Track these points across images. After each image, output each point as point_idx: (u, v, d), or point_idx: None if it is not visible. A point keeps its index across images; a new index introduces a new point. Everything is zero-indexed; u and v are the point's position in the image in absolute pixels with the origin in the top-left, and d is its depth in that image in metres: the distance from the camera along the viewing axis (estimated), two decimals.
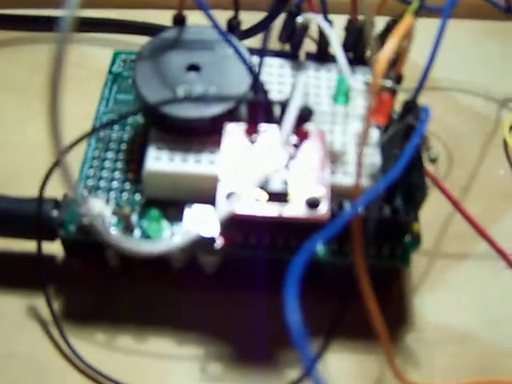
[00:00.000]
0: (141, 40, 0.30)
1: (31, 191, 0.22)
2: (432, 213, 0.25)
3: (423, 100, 0.22)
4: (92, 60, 0.30)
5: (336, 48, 0.20)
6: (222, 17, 0.24)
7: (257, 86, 0.20)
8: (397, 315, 0.24)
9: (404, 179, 0.21)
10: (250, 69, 0.21)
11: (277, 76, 0.23)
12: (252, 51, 0.23)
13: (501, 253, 0.25)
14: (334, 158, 0.21)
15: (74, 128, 0.20)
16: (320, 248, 0.21)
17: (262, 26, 0.26)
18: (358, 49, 0.24)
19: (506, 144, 0.29)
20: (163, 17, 0.26)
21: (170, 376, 0.22)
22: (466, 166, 0.28)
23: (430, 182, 0.26)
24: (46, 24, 0.30)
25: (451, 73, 0.31)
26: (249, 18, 0.26)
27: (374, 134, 0.22)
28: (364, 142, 0.17)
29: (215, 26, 0.20)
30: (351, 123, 0.22)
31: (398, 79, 0.22)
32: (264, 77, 0.22)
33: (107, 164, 0.23)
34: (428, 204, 0.24)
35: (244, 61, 0.21)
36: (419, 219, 0.22)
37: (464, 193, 0.27)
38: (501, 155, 0.29)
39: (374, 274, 0.20)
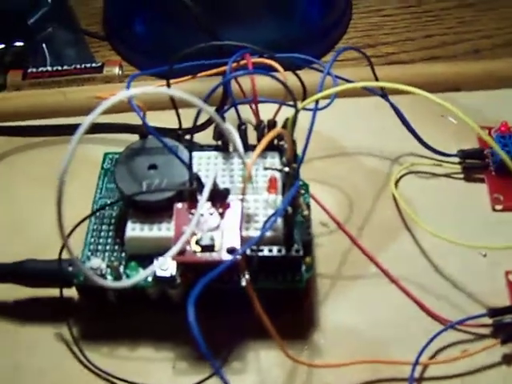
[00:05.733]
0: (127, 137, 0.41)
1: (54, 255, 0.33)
2: (335, 247, 0.36)
3: (334, 164, 0.37)
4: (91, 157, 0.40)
5: (239, 149, 0.31)
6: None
7: (191, 177, 0.31)
8: (307, 320, 0.34)
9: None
10: (187, 166, 0.32)
11: (213, 165, 0.34)
12: (195, 146, 0.34)
13: (385, 272, 0.36)
14: (248, 219, 0.32)
15: (80, 207, 0.33)
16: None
17: (204, 125, 0.37)
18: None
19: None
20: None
21: (152, 372, 0.32)
22: (362, 210, 0.38)
23: (334, 224, 0.37)
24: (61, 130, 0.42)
25: (357, 140, 0.42)
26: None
27: (278, 200, 0.32)
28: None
29: (160, 140, 0.32)
30: (260, 194, 0.33)
31: (289, 163, 0.32)
32: (202, 167, 0.34)
33: (103, 233, 0.34)
34: (331, 240, 0.35)
35: (182, 161, 0.32)
36: (312, 254, 0.33)
37: (360, 231, 0.37)
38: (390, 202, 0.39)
39: (286, 293, 0.31)
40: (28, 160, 0.42)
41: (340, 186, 0.40)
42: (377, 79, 0.38)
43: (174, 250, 0.28)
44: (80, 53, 0.49)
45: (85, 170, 0.37)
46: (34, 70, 0.46)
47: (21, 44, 0.46)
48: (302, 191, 0.35)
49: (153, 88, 0.25)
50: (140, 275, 0.28)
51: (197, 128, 0.37)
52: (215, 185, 0.31)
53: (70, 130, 0.41)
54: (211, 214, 0.31)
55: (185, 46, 0.32)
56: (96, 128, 0.38)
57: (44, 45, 0.47)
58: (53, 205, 0.38)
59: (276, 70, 0.32)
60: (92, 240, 0.33)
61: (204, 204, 0.29)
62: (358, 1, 0.56)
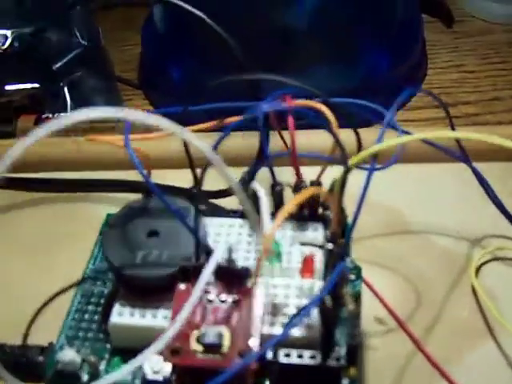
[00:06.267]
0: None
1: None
2: (393, 352, 0.28)
3: (396, 243, 0.31)
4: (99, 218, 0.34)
5: (265, 218, 0.23)
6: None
7: (198, 248, 0.24)
8: None
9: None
10: (194, 233, 0.24)
11: (236, 235, 0.27)
12: (217, 211, 0.27)
13: None
14: (274, 311, 0.24)
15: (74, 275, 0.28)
16: None
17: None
18: (310, 206, 0.27)
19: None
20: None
21: None
22: (431, 305, 0.30)
23: (393, 321, 0.28)
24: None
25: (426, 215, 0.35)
26: None
27: (315, 287, 0.24)
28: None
29: (161, 198, 0.24)
30: (293, 277, 0.25)
31: (334, 237, 0.24)
32: (221, 237, 0.26)
33: (87, 316, 0.26)
34: (388, 343, 0.27)
35: (188, 227, 0.24)
36: (359, 363, 0.24)
37: (427, 333, 0.29)
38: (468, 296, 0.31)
39: None
40: (19, 218, 0.37)
41: (403, 271, 0.32)
42: (458, 142, 0.30)
43: (156, 346, 0.20)
44: (110, 100, 0.44)
45: (89, 233, 0.31)
46: (50, 115, 0.40)
47: (36, 86, 0.41)
48: (352, 276, 0.27)
49: (127, 112, 0.18)
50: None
51: (220, 192, 0.30)
52: (231, 261, 0.24)
53: (76, 186, 0.36)
54: (222, 302, 0.23)
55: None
56: (93, 184, 0.33)
57: (66, 89, 0.42)
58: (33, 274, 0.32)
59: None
60: (73, 323, 0.26)
61: (204, 285, 0.22)
62: (434, 55, 0.50)
